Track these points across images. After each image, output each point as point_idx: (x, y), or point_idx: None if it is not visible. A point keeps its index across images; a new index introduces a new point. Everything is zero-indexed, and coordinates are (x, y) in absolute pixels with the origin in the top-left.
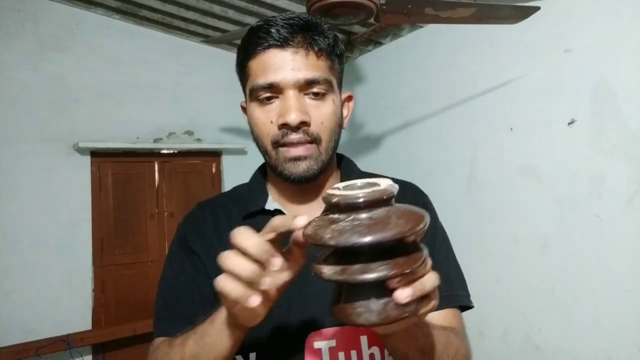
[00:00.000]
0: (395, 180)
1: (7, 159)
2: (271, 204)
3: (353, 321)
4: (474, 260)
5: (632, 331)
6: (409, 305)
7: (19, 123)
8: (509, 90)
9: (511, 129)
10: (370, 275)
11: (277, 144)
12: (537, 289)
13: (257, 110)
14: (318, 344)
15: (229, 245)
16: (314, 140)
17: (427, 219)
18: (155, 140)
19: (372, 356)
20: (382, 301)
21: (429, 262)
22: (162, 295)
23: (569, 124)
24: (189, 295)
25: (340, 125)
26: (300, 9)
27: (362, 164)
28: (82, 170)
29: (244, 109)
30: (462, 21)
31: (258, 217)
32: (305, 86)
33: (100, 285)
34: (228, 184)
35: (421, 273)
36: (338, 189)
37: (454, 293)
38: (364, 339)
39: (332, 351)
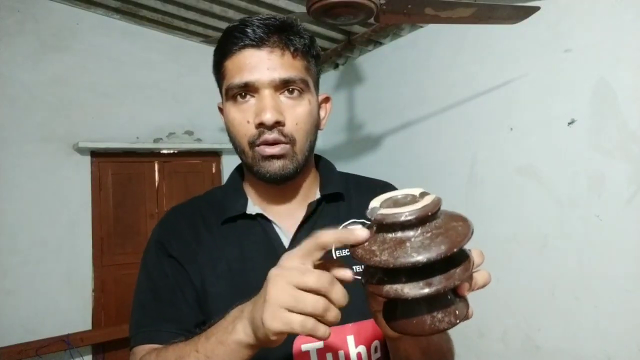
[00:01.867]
0: (373, 180)
1: (7, 159)
2: (252, 208)
3: (436, 328)
4: None
5: (632, 331)
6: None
7: (19, 123)
8: (509, 90)
9: (511, 129)
10: (455, 280)
11: (254, 144)
12: (537, 289)
13: (232, 110)
14: (305, 346)
15: (211, 249)
16: (289, 141)
17: (472, 225)
18: (155, 140)
19: (359, 355)
20: (455, 302)
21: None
22: (141, 303)
23: (569, 124)
24: (174, 299)
25: (316, 126)
26: (300, 9)
27: (362, 164)
28: (82, 170)
29: (221, 110)
30: (462, 21)
31: (239, 222)
32: (280, 85)
33: (100, 285)
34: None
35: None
36: (387, 206)
37: None
38: (350, 339)
39: (320, 353)
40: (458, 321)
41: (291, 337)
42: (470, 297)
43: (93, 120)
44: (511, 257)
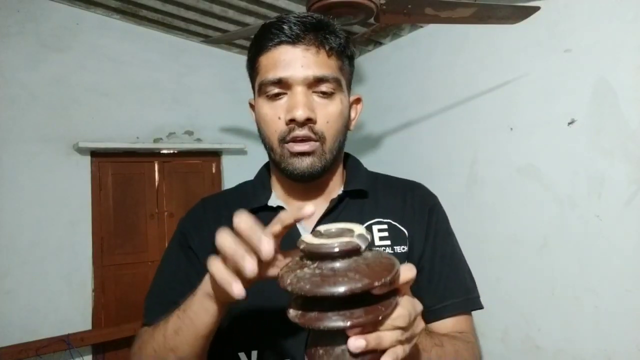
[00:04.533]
0: (404, 181)
1: (7, 159)
2: (274, 200)
3: None
4: (474, 260)
5: (632, 331)
6: (365, 355)
7: (19, 123)
8: (509, 90)
9: (511, 129)
10: (325, 324)
11: (284, 140)
12: (537, 289)
13: (265, 106)
14: None
15: None
16: (319, 139)
17: (395, 269)
18: (155, 140)
19: None
20: (341, 348)
21: (399, 314)
22: (155, 289)
23: (569, 124)
24: (182, 290)
25: (346, 126)
26: (300, 9)
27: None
28: (82, 170)
29: (252, 107)
30: (462, 21)
31: (260, 214)
32: (314, 83)
33: (100, 285)
34: (228, 184)
35: (385, 325)
36: (322, 234)
37: (469, 296)
38: None
39: None
40: None
41: (306, 333)
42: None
43: (93, 120)
44: (511, 257)
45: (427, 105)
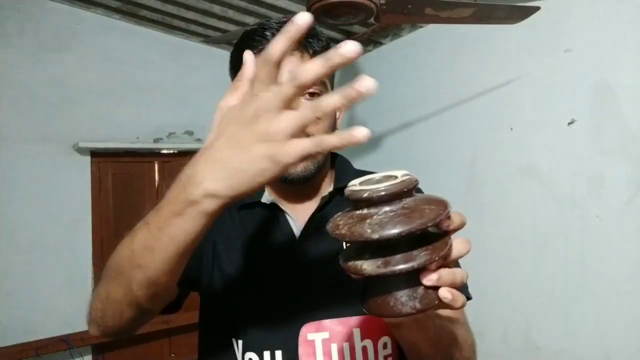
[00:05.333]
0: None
1: (7, 159)
2: (267, 197)
3: (398, 311)
4: (474, 260)
5: (632, 331)
6: (442, 293)
7: (19, 123)
8: (509, 90)
9: (511, 129)
10: (414, 263)
11: None
12: (537, 289)
13: None
14: (312, 335)
15: (229, 230)
16: None
17: (449, 203)
18: (155, 140)
19: (364, 349)
20: (421, 288)
21: (459, 243)
22: None
23: (569, 124)
24: None
25: (334, 126)
26: (300, 9)
27: (362, 164)
28: (82, 170)
29: None
30: (462, 21)
31: (256, 209)
32: None
33: None
34: None
35: (451, 260)
36: (361, 185)
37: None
38: (356, 332)
39: (325, 343)
40: (421, 307)
41: (298, 325)
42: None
43: (93, 120)
44: (511, 257)
45: (427, 106)
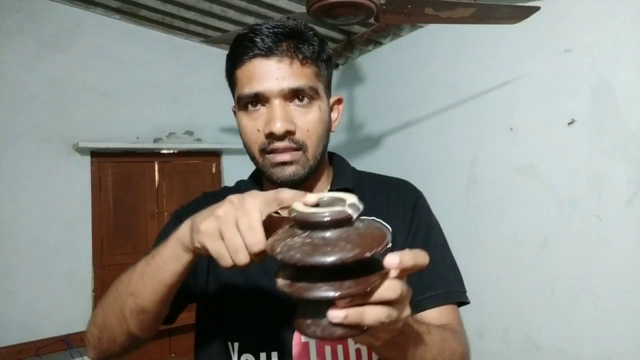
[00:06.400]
0: (389, 178)
1: (7, 159)
2: None
3: (303, 332)
4: (474, 260)
5: (632, 331)
6: (350, 329)
7: (19, 123)
8: (509, 90)
9: (511, 129)
10: (313, 294)
11: (264, 151)
12: (537, 289)
13: (244, 118)
14: (306, 337)
15: None
16: (300, 148)
17: (386, 240)
18: (155, 140)
19: (358, 352)
20: (325, 319)
21: (389, 285)
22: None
23: (569, 124)
24: None
25: (328, 130)
26: (300, 9)
27: (362, 164)
28: (82, 170)
29: (235, 113)
30: (462, 21)
31: None
32: (290, 95)
33: (100, 285)
34: (228, 184)
35: (374, 298)
36: (305, 206)
37: (450, 290)
38: None
39: (319, 345)
40: (322, 336)
41: (292, 327)
42: (470, 297)
43: (93, 120)
44: (511, 257)
45: (427, 105)
